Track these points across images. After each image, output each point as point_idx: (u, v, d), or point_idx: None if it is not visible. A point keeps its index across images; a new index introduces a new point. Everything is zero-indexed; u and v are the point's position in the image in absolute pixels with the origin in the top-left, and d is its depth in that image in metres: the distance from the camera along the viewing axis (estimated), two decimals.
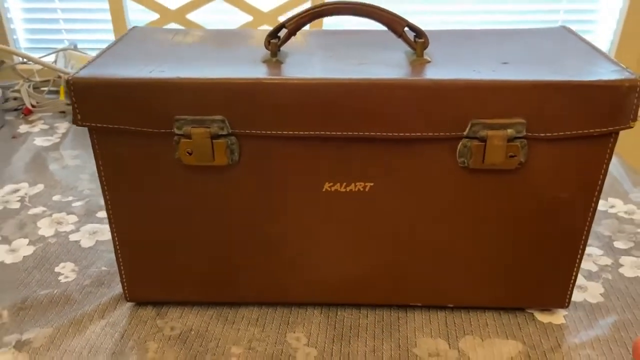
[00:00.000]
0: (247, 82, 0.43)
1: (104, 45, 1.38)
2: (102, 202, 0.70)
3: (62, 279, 0.57)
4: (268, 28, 1.18)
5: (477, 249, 0.50)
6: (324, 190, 0.47)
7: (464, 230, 0.49)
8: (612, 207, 0.70)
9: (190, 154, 0.45)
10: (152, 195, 0.48)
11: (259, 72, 0.45)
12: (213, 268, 0.52)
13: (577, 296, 0.55)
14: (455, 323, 0.52)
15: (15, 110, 0.98)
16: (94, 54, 1.04)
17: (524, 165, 0.45)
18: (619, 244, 0.63)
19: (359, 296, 0.53)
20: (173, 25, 1.18)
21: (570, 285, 0.51)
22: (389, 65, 0.46)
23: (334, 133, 0.45)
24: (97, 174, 0.77)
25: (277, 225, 0.49)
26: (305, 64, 0.47)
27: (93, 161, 0.81)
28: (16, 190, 0.73)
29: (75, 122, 0.44)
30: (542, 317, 0.53)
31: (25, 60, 1.03)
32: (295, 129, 0.44)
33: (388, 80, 0.43)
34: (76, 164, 0.80)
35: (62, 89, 0.98)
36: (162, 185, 0.47)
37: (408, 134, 0.44)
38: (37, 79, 1.01)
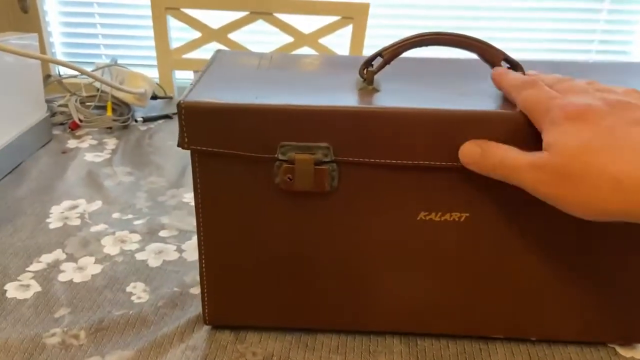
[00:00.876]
0: (353, 111, 0.43)
1: (143, 61, 1.39)
2: (163, 220, 0.70)
3: (135, 299, 0.57)
4: (310, 50, 1.19)
5: (562, 281, 0.49)
6: (418, 218, 0.47)
7: (552, 262, 0.48)
8: None
9: (290, 179, 0.45)
10: (245, 219, 0.47)
11: (361, 100, 0.45)
12: (296, 294, 0.51)
13: None
14: (539, 356, 0.52)
15: (61, 124, 0.98)
16: (137, 69, 1.05)
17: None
18: None
19: (441, 326, 0.52)
20: (214, 45, 1.19)
21: None
22: (488, 96, 0.47)
23: (434, 163, 0.45)
24: (152, 192, 0.76)
25: (367, 252, 0.49)
26: (404, 92, 0.47)
27: (146, 179, 0.80)
28: (74, 207, 0.73)
29: (181, 145, 0.44)
30: (624, 352, 0.52)
31: (72, 73, 1.03)
32: (395, 157, 0.44)
33: (488, 112, 0.43)
34: (130, 180, 0.80)
35: (109, 105, 0.98)
36: (257, 209, 0.47)
37: None
38: (84, 93, 1.01)
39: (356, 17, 1.15)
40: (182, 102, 0.43)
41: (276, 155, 0.44)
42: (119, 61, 1.16)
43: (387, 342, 0.53)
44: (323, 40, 1.19)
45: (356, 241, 0.48)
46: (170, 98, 1.11)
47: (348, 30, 1.18)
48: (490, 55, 0.48)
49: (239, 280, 0.51)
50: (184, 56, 1.19)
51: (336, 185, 0.46)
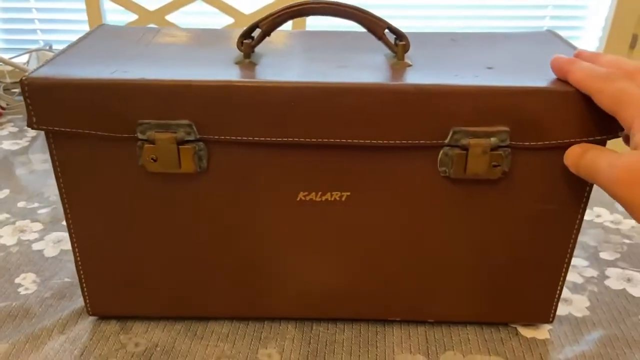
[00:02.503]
0: (216, 85, 0.40)
1: None
2: None
3: (22, 290, 0.54)
4: (226, 29, 1.15)
5: (458, 261, 0.47)
6: (298, 199, 0.45)
7: (445, 242, 0.46)
8: (597, 216, 0.68)
9: (154, 160, 0.42)
10: (114, 204, 0.45)
11: (230, 74, 0.42)
12: (180, 281, 0.49)
13: (561, 309, 0.53)
14: (435, 338, 0.50)
15: None
16: None
17: (508, 175, 0.43)
18: (604, 255, 0.61)
19: (335, 310, 0.50)
20: (150, 27, 1.15)
21: (555, 299, 0.49)
22: (369, 68, 0.44)
23: (310, 140, 0.42)
24: None
25: (249, 236, 0.46)
26: (281, 66, 0.45)
27: None
28: None
29: (30, 125, 0.41)
30: (526, 332, 0.51)
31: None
32: (268, 135, 0.42)
33: (366, 84, 0.41)
34: (44, 168, 0.77)
35: None
36: (125, 193, 0.44)
37: (387, 142, 0.42)
38: (8, 80, 0.97)
39: None
40: (24, 78, 0.40)
41: (136, 135, 0.42)
42: (56, 46, 1.12)
43: (281, 328, 0.51)
44: None
45: (237, 224, 0.46)
46: None
47: None
48: (371, 25, 0.45)
49: (118, 268, 0.48)
50: None
51: (205, 165, 0.43)
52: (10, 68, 0.98)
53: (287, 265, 0.48)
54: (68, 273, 0.57)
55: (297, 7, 0.45)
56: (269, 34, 0.46)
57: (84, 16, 1.23)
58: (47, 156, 0.80)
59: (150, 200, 0.45)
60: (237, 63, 0.45)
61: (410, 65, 0.45)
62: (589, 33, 1.37)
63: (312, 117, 0.41)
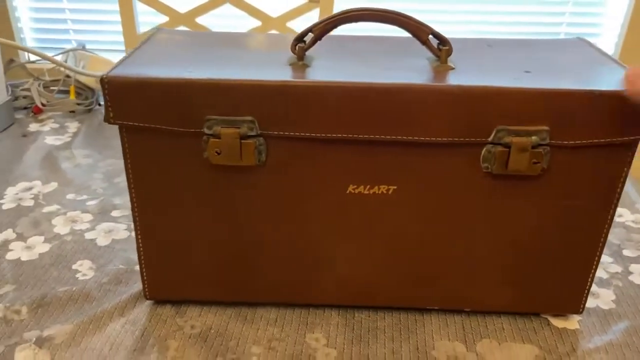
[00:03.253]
0: (276, 85, 0.44)
1: (113, 47, 1.39)
2: (116, 201, 0.71)
3: (79, 276, 0.58)
4: (276, 34, 1.18)
5: (494, 253, 0.50)
6: (347, 192, 0.48)
7: (484, 235, 0.49)
8: (619, 216, 0.71)
9: (218, 153, 0.46)
10: (178, 193, 0.48)
11: (286, 74, 0.46)
12: (233, 268, 0.52)
13: (589, 302, 0.56)
14: (472, 327, 0.53)
15: (25, 108, 0.98)
16: (103, 55, 1.05)
17: (546, 172, 0.46)
18: (627, 252, 0.64)
19: (376, 299, 0.53)
20: (182, 29, 1.19)
21: (585, 291, 0.52)
22: (414, 70, 0.47)
23: (360, 136, 0.45)
24: (109, 174, 0.77)
25: (299, 226, 0.50)
26: (332, 68, 0.48)
27: (105, 161, 0.81)
28: (29, 188, 0.73)
29: (107, 119, 0.45)
30: (557, 322, 0.54)
31: (36, 59, 1.03)
32: (321, 131, 0.45)
33: (416, 85, 0.44)
34: (88, 163, 0.80)
35: (72, 89, 0.98)
36: (188, 184, 0.48)
37: (433, 139, 0.45)
38: (47, 78, 1.01)
39: (322, 0, 1.15)
40: (104, 76, 0.43)
41: (203, 130, 0.45)
42: (88, 46, 1.16)
43: (326, 315, 0.54)
44: (291, 24, 1.19)
45: (289, 214, 0.49)
46: None
47: (316, 13, 1.19)
48: (416, 30, 0.48)
49: (177, 255, 0.51)
50: None
51: (264, 159, 0.47)
52: (50, 66, 1.02)
53: (333, 254, 0.51)
54: (122, 260, 0.60)
55: (348, 14, 0.48)
56: (320, 39, 0.49)
57: (115, 17, 1.27)
58: (90, 151, 0.84)
59: (211, 190, 0.48)
60: (291, 65, 0.48)
61: (453, 68, 0.48)
62: (604, 40, 1.40)
63: (363, 115, 0.44)
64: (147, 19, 1.24)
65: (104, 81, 0.43)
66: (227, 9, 1.19)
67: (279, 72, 0.46)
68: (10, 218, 0.67)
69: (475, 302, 0.53)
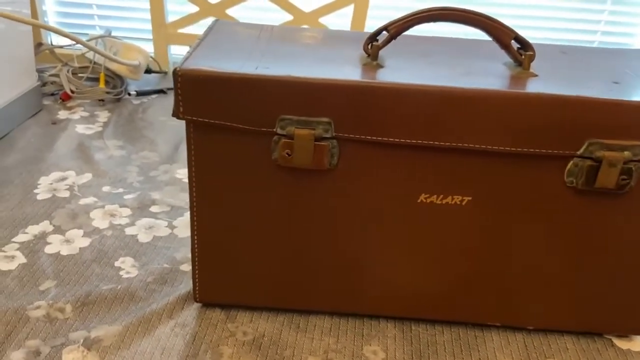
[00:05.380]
0: (358, 85, 0.41)
1: (138, 34, 1.35)
2: (154, 196, 0.68)
3: (123, 274, 0.55)
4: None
5: (564, 271, 0.48)
6: (419, 200, 0.46)
7: (556, 251, 0.47)
8: None
9: (289, 155, 0.43)
10: (240, 194, 0.46)
11: (364, 75, 0.43)
12: (289, 273, 0.50)
13: None
14: (534, 346, 0.51)
15: (52, 95, 0.95)
16: (131, 42, 1.02)
17: (632, 190, 0.44)
18: None
19: (436, 312, 0.51)
20: (211, 20, 1.16)
21: None
22: (496, 76, 0.45)
23: (439, 143, 0.43)
24: (144, 167, 0.74)
25: (365, 233, 0.47)
26: (408, 69, 0.45)
27: (138, 153, 0.78)
28: (63, 178, 0.71)
29: (176, 114, 0.42)
30: (621, 344, 0.52)
31: (66, 43, 1.01)
32: (398, 136, 0.43)
33: (502, 92, 0.41)
34: (121, 154, 0.78)
35: (102, 77, 0.95)
36: (253, 185, 0.45)
37: (516, 149, 0.43)
38: (76, 64, 0.98)
39: None
40: (178, 69, 0.41)
41: (275, 130, 0.43)
42: (113, 33, 1.13)
43: (381, 326, 0.52)
44: (323, 20, 1.16)
45: (353, 221, 0.47)
46: (165, 73, 1.09)
47: (349, 10, 1.16)
48: (499, 33, 0.46)
49: (232, 257, 0.49)
50: (180, 30, 1.16)
51: (336, 162, 0.44)
52: (79, 52, 0.99)
53: (393, 263, 0.49)
54: (165, 259, 0.58)
55: (428, 13, 0.46)
56: (395, 38, 0.47)
57: (141, 4, 1.24)
58: (122, 142, 0.81)
59: (276, 193, 0.46)
60: (365, 64, 0.46)
61: (536, 75, 0.45)
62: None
63: (444, 121, 0.42)
64: (176, 8, 1.21)
65: (177, 74, 0.41)
66: (259, 1, 1.16)
67: (355, 72, 0.44)
68: (46, 209, 0.64)
69: (538, 320, 0.51)
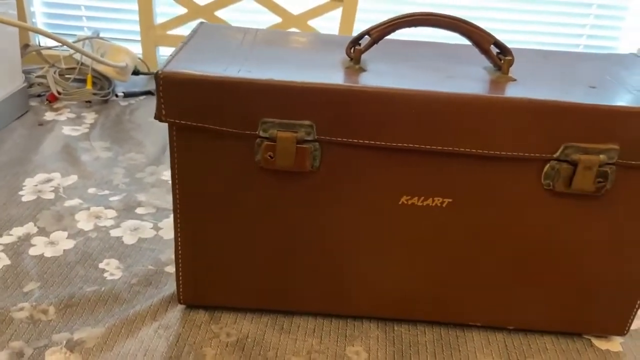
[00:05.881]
0: (340, 89, 0.42)
1: (127, 36, 1.35)
2: (140, 197, 0.68)
3: (107, 276, 0.55)
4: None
5: (545, 272, 0.49)
6: (400, 202, 0.46)
7: (534, 253, 0.48)
8: None
9: (271, 157, 0.44)
10: (224, 196, 0.46)
11: (347, 79, 0.44)
12: (272, 275, 0.50)
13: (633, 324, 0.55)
14: (514, 345, 0.51)
15: (38, 96, 0.95)
16: (119, 43, 1.02)
17: (608, 193, 0.44)
18: None
19: (418, 312, 0.52)
20: (199, 21, 1.16)
21: (633, 314, 0.51)
22: (476, 80, 0.46)
23: (419, 146, 0.44)
24: (130, 168, 0.75)
25: (346, 234, 0.48)
26: (392, 73, 0.46)
27: (125, 155, 0.79)
28: (49, 180, 0.71)
29: (158, 117, 0.42)
30: (600, 344, 0.52)
31: (52, 45, 1.00)
32: (378, 138, 0.43)
33: (483, 96, 0.42)
34: (108, 156, 0.78)
35: (89, 78, 0.95)
36: (236, 187, 0.46)
37: (495, 153, 0.43)
38: (63, 65, 0.98)
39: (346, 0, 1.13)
40: (160, 71, 0.41)
41: (257, 132, 0.43)
42: (102, 35, 1.13)
43: (364, 327, 0.52)
44: (312, 23, 1.17)
45: (336, 223, 0.48)
46: (153, 74, 1.09)
47: (338, 13, 1.17)
48: (478, 38, 0.47)
49: (216, 259, 0.49)
50: (169, 32, 1.17)
51: (318, 165, 0.45)
52: (66, 54, 0.99)
53: (375, 264, 0.49)
54: (150, 261, 0.58)
55: (409, 18, 0.46)
56: (377, 42, 0.47)
57: (130, 5, 1.24)
58: (109, 144, 0.81)
59: (258, 195, 0.46)
60: (347, 68, 0.46)
61: (514, 80, 0.46)
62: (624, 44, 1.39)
63: (425, 125, 0.43)
64: (164, 9, 1.21)
65: (159, 77, 0.41)
66: (248, 3, 1.17)
67: (338, 76, 0.44)
68: (30, 211, 0.64)
69: (518, 320, 0.52)
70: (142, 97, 0.99)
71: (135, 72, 1.03)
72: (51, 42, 1.02)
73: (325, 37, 0.56)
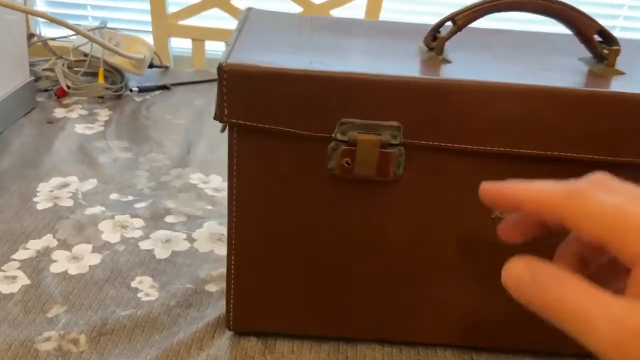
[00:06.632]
0: (434, 83, 0.35)
1: (135, 26, 1.28)
2: (169, 204, 0.61)
3: (142, 296, 0.49)
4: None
5: None
6: (493, 217, 0.40)
7: None
8: None
9: (349, 164, 0.37)
10: (286, 208, 0.40)
11: (437, 72, 0.37)
12: (336, 296, 0.44)
13: None
14: None
15: (45, 91, 0.87)
16: (129, 33, 0.95)
17: None
18: None
19: (499, 339, 0.46)
20: (214, 11, 1.09)
21: None
22: (578, 73, 0.39)
23: (526, 151, 0.37)
24: (154, 171, 0.68)
25: (424, 253, 0.42)
26: (480, 65, 0.40)
27: (146, 155, 0.72)
28: (65, 185, 0.64)
29: (219, 117, 0.36)
30: None
31: (59, 35, 0.93)
32: (478, 142, 0.37)
33: (606, 93, 0.36)
34: (127, 157, 0.71)
35: (101, 72, 0.88)
36: (301, 197, 0.39)
37: (613, 159, 0.37)
38: (72, 57, 0.91)
39: None
40: (224, 64, 0.34)
41: (333, 135, 0.36)
42: (108, 25, 1.06)
43: (439, 356, 0.46)
44: (335, 12, 1.10)
45: (413, 239, 0.41)
46: (167, 67, 1.02)
47: (362, 2, 1.10)
48: (582, 25, 0.40)
49: (272, 279, 0.43)
50: (181, 22, 1.10)
51: (401, 172, 0.38)
52: (74, 45, 0.92)
53: (453, 287, 0.43)
54: (188, 278, 0.51)
55: (504, 2, 0.40)
56: (461, 29, 0.41)
57: None
58: (127, 143, 0.74)
59: (327, 207, 0.40)
60: (428, 59, 0.40)
61: (623, 73, 0.40)
62: None
63: (532, 125, 0.36)
64: None
65: (223, 70, 0.34)
66: None
67: (424, 68, 0.38)
68: (48, 220, 0.57)
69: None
70: (157, 92, 0.92)
71: (149, 65, 0.96)
72: (56, 33, 0.95)
73: (386, 24, 0.49)
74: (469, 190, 0.39)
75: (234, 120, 0.36)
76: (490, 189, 0.30)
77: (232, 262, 0.42)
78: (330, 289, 0.43)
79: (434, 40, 0.41)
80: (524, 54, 0.43)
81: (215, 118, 0.36)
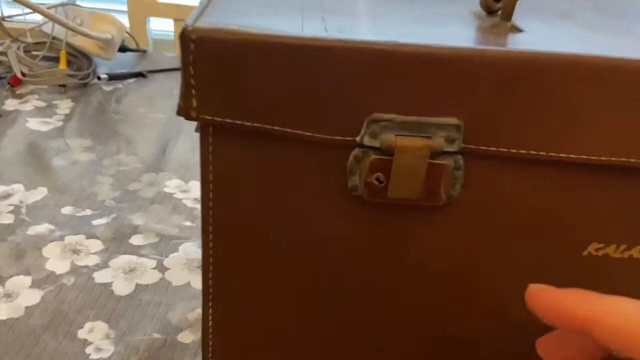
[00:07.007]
0: (514, 56, 0.23)
1: (108, 5, 1.14)
2: (136, 221, 0.49)
3: (91, 352, 0.36)
4: None
5: None
6: (585, 253, 0.28)
7: None
8: None
9: (381, 182, 0.25)
10: (287, 241, 0.27)
11: (511, 42, 0.25)
12: (351, 350, 0.32)
13: None
14: None
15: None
16: (96, 11, 0.82)
17: None
18: None
19: None
20: None
21: None
22: None
23: (629, 160, 0.25)
24: (120, 176, 0.55)
25: (473, 301, 0.30)
26: (561, 36, 0.27)
27: (113, 157, 0.59)
28: (6, 195, 0.51)
29: (185, 113, 0.23)
30: None
31: (15, 14, 0.80)
32: (573, 150, 0.25)
33: None
34: (89, 159, 0.58)
35: (63, 55, 0.75)
36: (308, 227, 0.27)
37: None
38: (29, 39, 0.78)
39: None
40: (188, 26, 0.22)
41: (358, 139, 0.24)
42: (77, 2, 0.93)
43: None
44: None
45: (458, 284, 0.29)
46: (144, 52, 0.88)
47: None
48: None
49: (266, 334, 0.31)
50: (161, 0, 0.97)
51: (456, 194, 0.26)
52: (32, 25, 0.78)
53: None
54: (155, 324, 0.39)
55: None
56: None
57: None
58: (90, 142, 0.62)
59: (346, 242, 0.27)
60: (493, 26, 0.28)
61: None
62: None
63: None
64: None
65: (189, 38, 0.22)
66: None
67: (491, 38, 0.26)
68: None
69: None
70: (131, 80, 0.79)
71: (122, 49, 0.83)
72: (11, 11, 0.82)
73: None
74: (548, 213, 0.27)
75: (207, 117, 0.23)
76: (543, 297, 0.23)
77: (210, 301, 0.30)
78: (343, 341, 0.31)
79: (499, 1, 0.28)
80: (600, 21, 0.31)
81: (179, 113, 0.23)
